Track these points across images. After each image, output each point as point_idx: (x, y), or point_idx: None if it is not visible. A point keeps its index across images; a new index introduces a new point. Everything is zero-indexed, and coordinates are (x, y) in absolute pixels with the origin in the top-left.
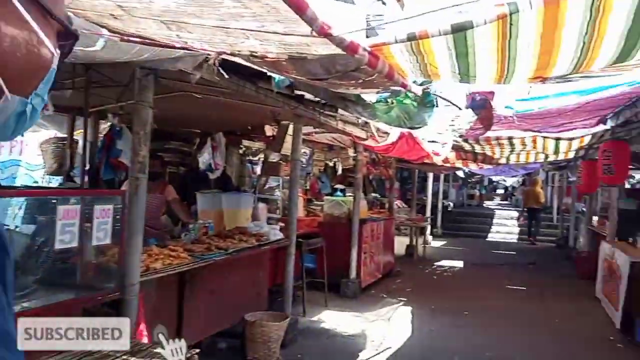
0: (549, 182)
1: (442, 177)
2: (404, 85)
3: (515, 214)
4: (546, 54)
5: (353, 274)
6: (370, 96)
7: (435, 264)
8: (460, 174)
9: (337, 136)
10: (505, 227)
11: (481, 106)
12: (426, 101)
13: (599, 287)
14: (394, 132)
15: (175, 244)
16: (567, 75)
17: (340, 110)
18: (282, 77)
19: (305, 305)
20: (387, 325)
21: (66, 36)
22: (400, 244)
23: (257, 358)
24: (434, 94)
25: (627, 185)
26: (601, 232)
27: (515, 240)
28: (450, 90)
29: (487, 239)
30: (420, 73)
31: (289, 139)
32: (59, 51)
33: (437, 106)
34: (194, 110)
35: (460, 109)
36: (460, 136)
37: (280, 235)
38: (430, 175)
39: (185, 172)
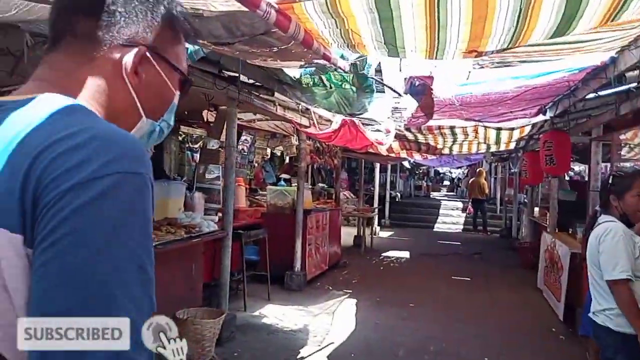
0: (492, 174)
1: (389, 167)
2: (326, 58)
3: (461, 204)
4: (479, 21)
5: (298, 266)
6: (293, 71)
7: (383, 254)
8: (406, 164)
9: (280, 123)
10: (451, 218)
11: (421, 92)
12: (364, 86)
13: (540, 278)
14: (337, 120)
15: None
16: (505, 49)
17: (279, 95)
18: (195, 47)
19: (246, 299)
20: (331, 319)
21: (185, 82)
22: (348, 234)
23: (190, 357)
24: (372, 78)
25: (566, 177)
26: (542, 223)
27: (460, 231)
28: (390, 75)
29: (433, 229)
30: (342, 42)
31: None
32: (179, 92)
33: (376, 91)
34: None
35: (399, 94)
36: (404, 127)
37: (215, 227)
38: (378, 166)
39: None
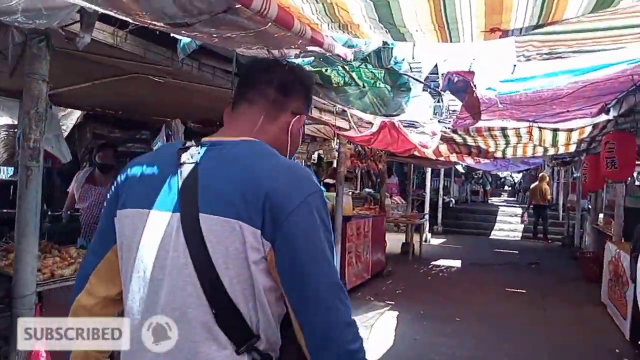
0: (554, 178)
1: (442, 172)
2: (317, 42)
3: (520, 210)
4: None
5: None
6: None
7: (432, 263)
8: (460, 169)
9: (321, 127)
10: (509, 225)
11: (462, 90)
12: (399, 84)
13: (604, 292)
14: (377, 122)
15: None
16: (537, 26)
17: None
18: (187, 40)
19: None
20: (368, 333)
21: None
22: (398, 241)
23: None
24: (405, 74)
25: (636, 182)
26: (607, 232)
27: (519, 238)
28: (428, 71)
29: (489, 237)
30: (330, 21)
31: None
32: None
33: (411, 90)
34: (152, 95)
35: (435, 90)
36: (450, 129)
37: None
38: (429, 170)
39: None
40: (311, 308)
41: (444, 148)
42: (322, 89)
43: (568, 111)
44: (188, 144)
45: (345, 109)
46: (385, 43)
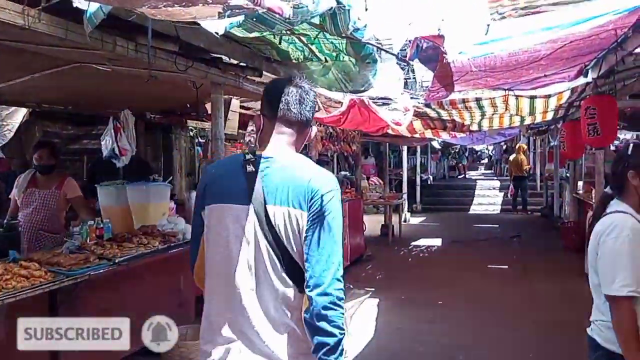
0: (530, 149)
1: (418, 149)
2: None
3: (498, 183)
4: None
5: None
6: (214, 25)
7: (412, 243)
8: (436, 145)
9: None
10: (488, 199)
11: (432, 58)
12: (363, 55)
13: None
14: (345, 101)
15: (39, 257)
16: None
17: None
18: (93, 8)
19: None
20: (347, 325)
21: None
22: (378, 222)
23: None
24: (369, 43)
25: (611, 147)
26: (587, 200)
27: (498, 212)
28: (390, 38)
29: (469, 212)
30: None
31: (234, 117)
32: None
33: (379, 61)
34: (101, 86)
35: (404, 61)
36: (423, 103)
37: None
38: (405, 149)
39: (94, 161)
40: (313, 259)
41: (418, 124)
42: (281, 66)
43: (545, 75)
44: (248, 157)
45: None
46: (340, 3)
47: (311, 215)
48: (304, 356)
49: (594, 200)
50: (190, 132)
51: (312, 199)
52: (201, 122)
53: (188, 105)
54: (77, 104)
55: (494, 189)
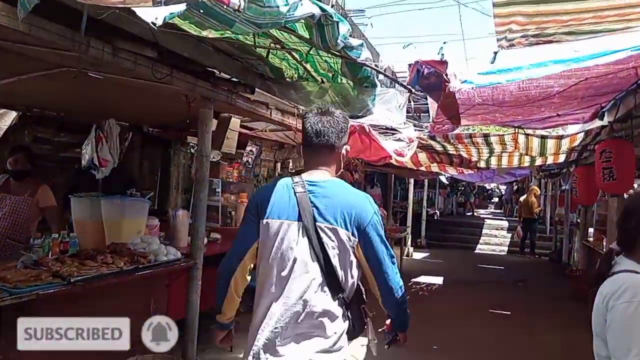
0: (541, 191)
1: (426, 183)
2: None
3: (506, 224)
4: None
5: None
6: (151, 13)
7: (412, 280)
8: (444, 179)
9: (290, 133)
10: (495, 239)
11: (435, 87)
12: (360, 78)
13: None
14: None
15: None
16: None
17: (271, 96)
18: None
19: (233, 337)
20: None
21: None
22: None
23: None
24: (364, 64)
25: (625, 195)
26: (598, 249)
27: (505, 253)
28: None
29: (474, 251)
30: None
31: (233, 135)
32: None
33: (378, 86)
34: (87, 92)
35: (403, 87)
36: (427, 134)
37: (177, 255)
38: (412, 181)
39: (77, 171)
40: (382, 275)
41: (423, 157)
42: (275, 84)
43: (558, 115)
44: (296, 180)
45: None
46: (325, 12)
47: (367, 239)
48: (326, 345)
49: (604, 250)
50: (191, 149)
51: (361, 224)
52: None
53: (187, 121)
54: (69, 110)
55: (502, 229)
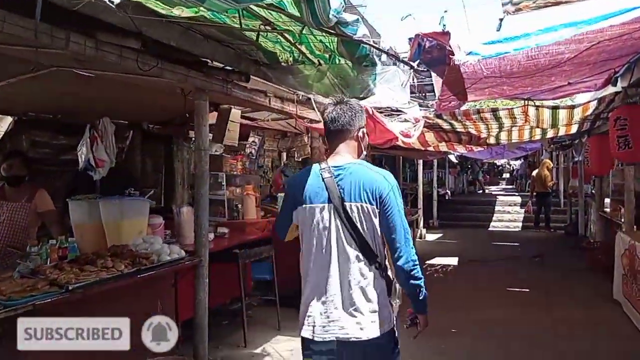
0: (553, 164)
1: (435, 163)
2: None
3: (519, 199)
4: None
5: None
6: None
7: (427, 262)
8: (453, 158)
9: (292, 121)
10: (508, 215)
11: (439, 61)
12: (359, 57)
13: (617, 288)
14: None
15: None
16: None
17: (269, 86)
18: None
19: (246, 332)
20: None
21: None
22: None
23: None
24: (361, 41)
25: None
26: (616, 220)
27: (519, 229)
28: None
29: (488, 229)
30: None
31: (234, 127)
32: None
33: (379, 65)
34: (79, 92)
35: (405, 63)
36: (434, 113)
37: (181, 254)
38: (420, 162)
39: (75, 173)
40: (394, 244)
41: (430, 136)
42: (271, 70)
43: (569, 83)
44: (323, 166)
45: (311, 96)
46: None
47: (383, 209)
48: (379, 311)
49: (623, 220)
50: (194, 143)
51: (380, 197)
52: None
53: (187, 115)
54: (65, 112)
55: (515, 205)
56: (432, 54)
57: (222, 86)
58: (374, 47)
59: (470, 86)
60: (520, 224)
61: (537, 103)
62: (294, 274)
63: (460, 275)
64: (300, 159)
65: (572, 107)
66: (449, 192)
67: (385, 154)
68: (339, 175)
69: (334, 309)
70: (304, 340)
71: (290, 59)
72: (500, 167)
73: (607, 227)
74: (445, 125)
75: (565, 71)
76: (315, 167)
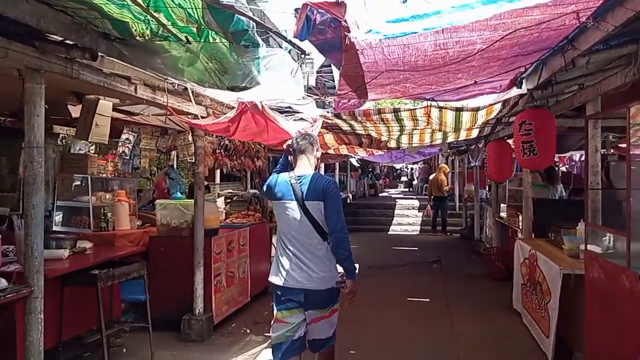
0: (449, 168)
1: (337, 166)
2: None
3: (417, 203)
4: None
5: (199, 307)
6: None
7: None
8: (354, 162)
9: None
10: (407, 219)
11: (334, 46)
12: (235, 31)
13: (516, 297)
14: (236, 105)
15: None
16: None
17: (138, 71)
18: None
19: None
20: None
21: None
22: None
23: None
24: (235, 10)
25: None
26: (512, 226)
27: (417, 232)
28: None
29: (388, 232)
30: None
31: (103, 122)
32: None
33: (261, 45)
34: None
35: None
36: (332, 112)
37: (2, 284)
38: (322, 165)
39: None
40: (330, 224)
41: (330, 138)
42: (126, 47)
43: (475, 83)
44: (290, 174)
45: (188, 86)
46: None
47: (326, 203)
48: (326, 272)
49: (521, 227)
50: (63, 140)
51: (325, 195)
52: (74, 127)
53: (46, 106)
54: None
55: (413, 208)
56: (325, 34)
57: (64, 66)
58: (248, 17)
59: (370, 81)
60: (418, 227)
61: (441, 104)
62: (175, 294)
63: (361, 284)
64: (187, 159)
65: (477, 109)
66: (350, 195)
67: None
68: (301, 181)
69: (298, 271)
70: (276, 286)
71: (147, 31)
72: (399, 171)
73: (503, 232)
74: (345, 126)
75: (473, 67)
76: (284, 175)
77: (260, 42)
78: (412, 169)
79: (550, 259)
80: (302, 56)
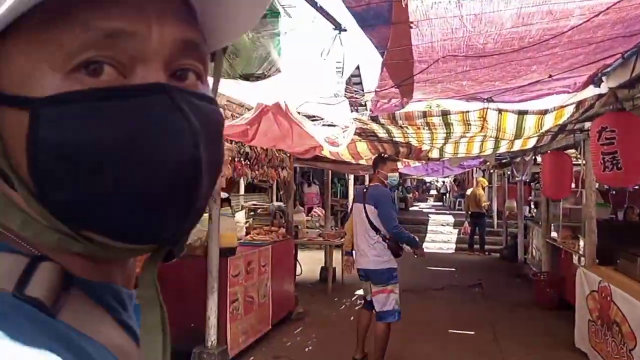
0: (486, 183)
1: (367, 178)
2: None
3: (451, 218)
4: None
5: (212, 339)
6: None
7: (357, 293)
8: None
9: None
10: (441, 235)
11: (380, 17)
12: None
13: (581, 335)
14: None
15: None
16: None
17: None
18: None
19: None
20: None
21: None
22: (318, 261)
23: None
24: None
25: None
26: (569, 250)
27: (453, 251)
28: None
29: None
30: None
31: None
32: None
33: (281, 14)
34: None
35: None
36: (369, 116)
37: None
38: (352, 177)
39: None
40: (385, 223)
41: (363, 147)
42: None
43: (551, 77)
44: (365, 186)
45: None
46: None
47: (378, 208)
48: (378, 258)
49: (582, 252)
50: None
51: (376, 202)
52: None
53: None
54: None
55: (447, 224)
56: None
57: None
58: None
59: (421, 72)
60: (453, 245)
61: (501, 106)
62: (183, 322)
63: None
64: None
65: (544, 112)
66: None
67: (313, 167)
68: (367, 191)
69: (363, 258)
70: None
71: None
72: (428, 184)
73: (554, 255)
74: (382, 133)
75: (555, 55)
76: (362, 186)
77: (282, 10)
78: (443, 182)
79: (632, 296)
80: (337, 32)
